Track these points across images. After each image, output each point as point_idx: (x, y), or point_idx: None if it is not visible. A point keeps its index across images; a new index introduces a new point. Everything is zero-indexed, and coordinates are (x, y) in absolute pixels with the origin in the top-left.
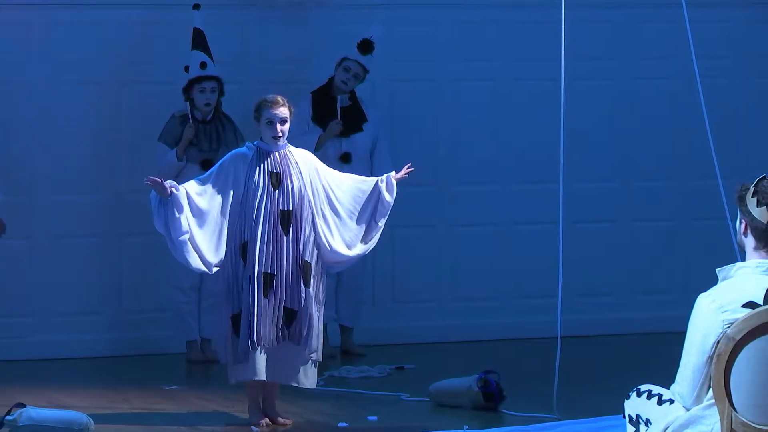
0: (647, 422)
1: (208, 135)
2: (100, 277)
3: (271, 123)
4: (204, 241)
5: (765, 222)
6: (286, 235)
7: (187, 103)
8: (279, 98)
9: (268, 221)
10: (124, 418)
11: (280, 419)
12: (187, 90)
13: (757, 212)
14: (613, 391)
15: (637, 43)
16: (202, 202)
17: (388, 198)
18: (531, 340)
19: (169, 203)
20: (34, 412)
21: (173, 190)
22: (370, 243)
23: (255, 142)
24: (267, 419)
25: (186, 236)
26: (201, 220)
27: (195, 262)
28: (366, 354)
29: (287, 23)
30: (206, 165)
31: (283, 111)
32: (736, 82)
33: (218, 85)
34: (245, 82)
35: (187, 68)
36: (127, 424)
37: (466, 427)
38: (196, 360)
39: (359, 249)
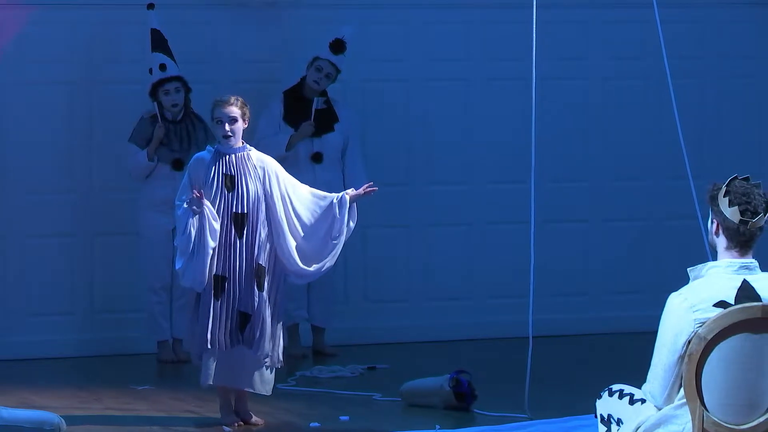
0: (619, 422)
1: (178, 135)
2: (72, 277)
3: (220, 122)
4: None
5: (736, 222)
6: (240, 238)
7: (155, 104)
8: (231, 98)
9: (221, 223)
10: (96, 419)
11: (252, 419)
12: (153, 93)
13: (728, 212)
14: (584, 390)
15: (609, 43)
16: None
17: (345, 219)
18: (503, 339)
19: (203, 215)
20: (5, 412)
21: (203, 199)
22: (327, 260)
23: (216, 146)
24: (239, 419)
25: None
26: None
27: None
28: (338, 354)
29: (259, 23)
30: (177, 165)
31: (232, 110)
32: (708, 82)
33: (182, 84)
34: (217, 82)
35: (151, 71)
36: (99, 425)
37: (438, 426)
38: (167, 360)
39: (315, 264)
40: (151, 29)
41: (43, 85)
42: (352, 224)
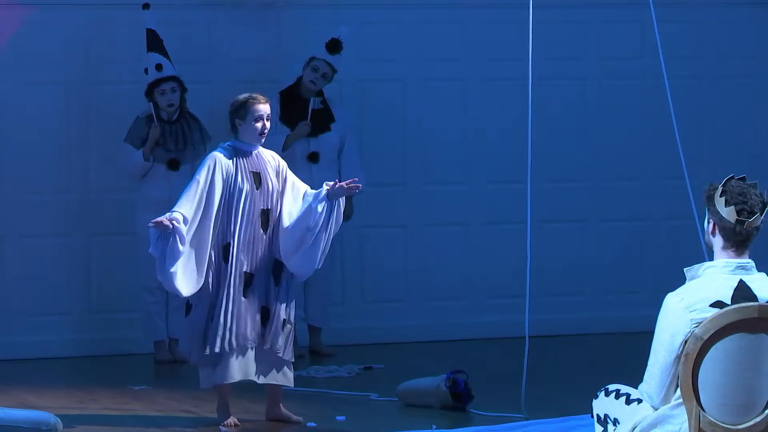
0: (615, 422)
1: (174, 135)
2: (69, 278)
3: (260, 119)
4: (193, 270)
5: (733, 221)
6: (265, 234)
7: (151, 104)
8: (259, 95)
9: (250, 221)
10: (93, 419)
11: (293, 418)
12: (149, 93)
13: (725, 212)
14: (581, 390)
15: (606, 43)
16: (193, 232)
17: (319, 209)
18: (499, 339)
19: (171, 236)
20: (2, 412)
21: (174, 222)
22: (310, 255)
23: (229, 143)
24: (234, 419)
25: (179, 266)
26: (193, 253)
27: (182, 288)
28: (334, 354)
29: (256, 23)
30: (172, 165)
31: (268, 107)
32: (705, 82)
33: (178, 84)
34: (214, 82)
35: (146, 71)
36: (96, 425)
37: (434, 426)
38: (164, 360)
39: (296, 260)
40: (147, 29)
41: (40, 85)
42: (336, 225)
